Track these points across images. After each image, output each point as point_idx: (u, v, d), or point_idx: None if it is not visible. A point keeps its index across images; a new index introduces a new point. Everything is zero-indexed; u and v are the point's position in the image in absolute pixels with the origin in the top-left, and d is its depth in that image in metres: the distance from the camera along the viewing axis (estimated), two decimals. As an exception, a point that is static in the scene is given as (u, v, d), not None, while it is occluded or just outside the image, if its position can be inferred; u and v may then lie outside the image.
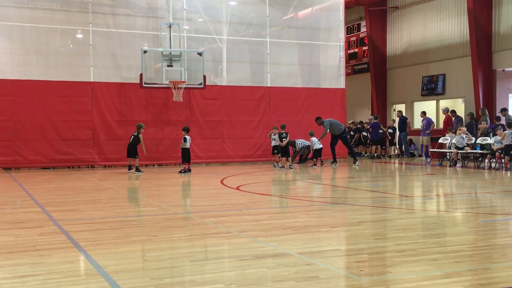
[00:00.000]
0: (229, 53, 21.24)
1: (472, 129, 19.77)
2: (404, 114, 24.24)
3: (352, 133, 25.00)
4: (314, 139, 19.43)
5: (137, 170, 16.52)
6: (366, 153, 24.81)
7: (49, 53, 19.02)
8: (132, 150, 16.54)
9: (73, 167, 18.86)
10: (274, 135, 18.89)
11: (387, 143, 24.31)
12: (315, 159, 19.54)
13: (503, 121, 18.76)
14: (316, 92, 21.96)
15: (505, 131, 16.87)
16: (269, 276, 4.85)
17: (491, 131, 18.84)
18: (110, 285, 4.62)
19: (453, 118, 21.26)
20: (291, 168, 17.95)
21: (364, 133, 24.67)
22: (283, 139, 18.21)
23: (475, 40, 21.12)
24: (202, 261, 5.48)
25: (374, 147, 24.10)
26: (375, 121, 24.05)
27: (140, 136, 16.52)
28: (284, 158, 18.38)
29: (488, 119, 19.35)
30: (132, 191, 11.85)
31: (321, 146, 19.40)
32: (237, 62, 21.77)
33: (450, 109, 21.78)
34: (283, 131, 18.37)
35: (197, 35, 20.89)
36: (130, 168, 16.77)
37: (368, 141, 24.51)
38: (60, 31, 19.39)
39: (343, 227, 7.60)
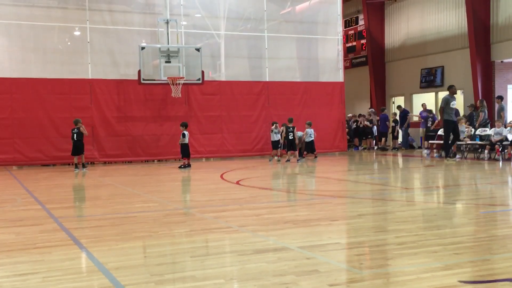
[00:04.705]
0: (227, 48, 21.18)
1: (472, 121, 19.77)
2: (403, 107, 24.18)
3: (355, 125, 25.07)
4: (309, 130, 18.91)
5: (83, 166, 16.58)
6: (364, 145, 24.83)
7: (47, 50, 18.98)
8: (80, 147, 16.54)
9: (73, 164, 18.84)
10: (276, 129, 18.86)
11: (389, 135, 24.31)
12: (305, 152, 19.26)
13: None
14: (315, 86, 21.93)
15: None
16: (269, 271, 4.85)
17: (489, 122, 18.86)
18: (110, 281, 4.62)
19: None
20: (298, 161, 18.08)
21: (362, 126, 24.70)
22: (290, 133, 18.22)
23: (473, 31, 21.10)
24: (203, 256, 5.49)
25: (374, 138, 24.11)
26: (382, 113, 23.87)
27: (82, 128, 16.49)
28: (290, 152, 18.43)
29: (486, 110, 19.36)
30: (132, 187, 11.86)
31: (312, 138, 18.87)
32: (235, 57, 21.70)
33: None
34: (291, 125, 18.36)
35: (195, 31, 20.82)
36: (77, 166, 16.52)
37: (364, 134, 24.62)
38: (58, 29, 19.33)
39: (343, 220, 7.61)
